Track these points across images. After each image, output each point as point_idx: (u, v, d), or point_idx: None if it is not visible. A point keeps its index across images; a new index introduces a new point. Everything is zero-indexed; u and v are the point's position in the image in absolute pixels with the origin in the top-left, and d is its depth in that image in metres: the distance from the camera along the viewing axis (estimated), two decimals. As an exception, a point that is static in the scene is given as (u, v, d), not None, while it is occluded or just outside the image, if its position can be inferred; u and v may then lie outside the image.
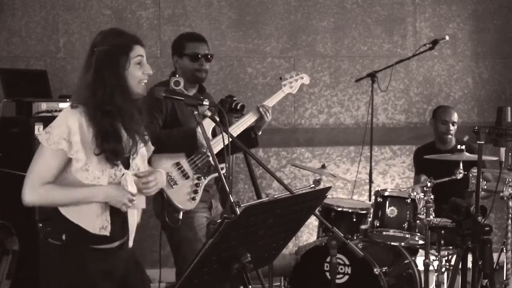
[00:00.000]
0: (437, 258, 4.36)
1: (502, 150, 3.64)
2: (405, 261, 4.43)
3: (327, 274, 4.19)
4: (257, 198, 4.06)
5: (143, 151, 2.81)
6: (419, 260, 4.53)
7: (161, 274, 4.29)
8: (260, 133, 4.10)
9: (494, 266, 4.38)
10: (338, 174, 5.42)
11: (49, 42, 5.39)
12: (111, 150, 2.60)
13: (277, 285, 4.86)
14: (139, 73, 2.68)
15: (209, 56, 3.99)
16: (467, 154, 4.50)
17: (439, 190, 4.43)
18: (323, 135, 5.92)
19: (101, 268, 2.67)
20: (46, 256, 2.72)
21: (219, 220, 2.83)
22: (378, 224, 4.46)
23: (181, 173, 3.78)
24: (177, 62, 4.00)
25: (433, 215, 4.28)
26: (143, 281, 2.91)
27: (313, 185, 3.91)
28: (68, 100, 4.21)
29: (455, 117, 5.18)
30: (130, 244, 2.79)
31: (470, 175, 4.23)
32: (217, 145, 3.80)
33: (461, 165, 4.43)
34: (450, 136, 5.16)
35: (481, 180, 3.77)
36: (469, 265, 3.76)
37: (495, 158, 4.12)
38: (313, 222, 5.60)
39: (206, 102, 2.77)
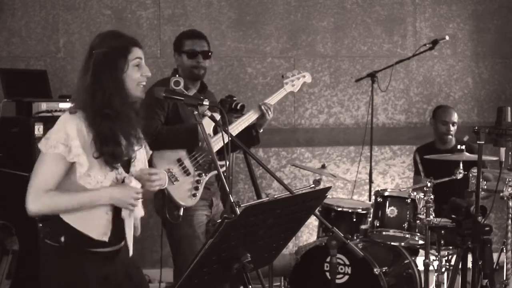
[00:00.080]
0: (437, 258, 4.36)
1: (502, 150, 3.64)
2: (405, 261, 4.43)
3: (327, 274, 4.19)
4: (257, 198, 4.05)
5: (143, 156, 2.81)
6: (419, 260, 4.53)
7: (161, 275, 4.30)
8: (261, 130, 4.10)
9: (494, 266, 4.38)
10: (338, 174, 5.42)
11: (49, 42, 5.39)
12: (110, 153, 2.60)
13: (277, 285, 4.86)
14: (138, 75, 2.67)
15: (207, 53, 3.99)
16: (467, 154, 4.50)
17: (439, 190, 4.43)
18: (323, 135, 5.92)
19: (97, 272, 2.67)
20: (44, 257, 2.72)
21: (219, 220, 2.82)
22: (378, 224, 4.46)
23: (182, 169, 3.80)
24: (177, 60, 4.03)
25: (433, 215, 4.28)
26: (142, 287, 2.91)
27: (313, 185, 3.92)
28: (68, 100, 4.21)
29: (455, 117, 5.18)
30: (131, 252, 2.78)
31: (470, 175, 4.23)
32: (217, 143, 3.81)
33: (461, 165, 4.43)
34: (450, 137, 5.16)
35: (481, 180, 3.76)
36: (469, 265, 3.76)
37: (495, 158, 4.12)
38: (313, 222, 5.60)
39: (206, 102, 2.77)
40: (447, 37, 5.45)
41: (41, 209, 2.60)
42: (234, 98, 4.36)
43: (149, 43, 5.53)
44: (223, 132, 2.83)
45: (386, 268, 4.24)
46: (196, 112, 2.75)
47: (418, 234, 4.39)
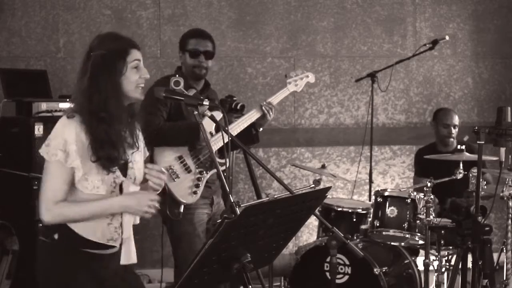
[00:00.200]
0: (437, 258, 4.36)
1: (502, 150, 3.64)
2: (405, 261, 4.43)
3: (327, 274, 4.19)
4: (257, 198, 4.05)
5: (139, 159, 2.80)
6: (419, 260, 4.53)
7: (162, 275, 4.30)
8: (261, 130, 4.10)
9: (494, 266, 4.38)
10: (338, 174, 5.42)
11: (49, 42, 5.40)
12: (106, 157, 2.60)
13: (277, 285, 4.86)
14: (136, 77, 2.67)
15: (210, 53, 4.00)
16: (467, 154, 4.50)
17: (439, 190, 4.43)
18: (323, 135, 5.92)
19: (89, 272, 2.66)
20: (38, 254, 2.72)
21: (219, 220, 2.83)
22: (378, 224, 4.45)
23: (183, 166, 3.80)
24: (181, 58, 4.06)
25: (433, 215, 4.29)
26: None
27: (313, 185, 3.91)
28: (68, 100, 4.21)
29: (456, 120, 5.17)
30: (125, 260, 2.75)
31: (470, 175, 4.23)
32: (217, 143, 3.81)
33: (461, 165, 4.43)
34: (452, 139, 5.15)
35: (481, 180, 3.76)
36: (469, 265, 3.76)
37: (495, 158, 4.12)
38: (313, 222, 5.60)
39: (206, 102, 2.77)
40: (447, 37, 5.45)
41: (54, 220, 2.61)
42: (234, 98, 4.36)
43: (149, 43, 5.53)
44: (224, 132, 2.82)
45: (386, 268, 4.23)
46: (196, 112, 2.74)
47: (418, 234, 4.38)
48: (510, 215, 4.31)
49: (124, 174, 2.69)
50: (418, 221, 4.37)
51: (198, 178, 3.83)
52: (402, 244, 4.46)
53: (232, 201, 2.62)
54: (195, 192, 3.81)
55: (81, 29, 5.42)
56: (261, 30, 5.77)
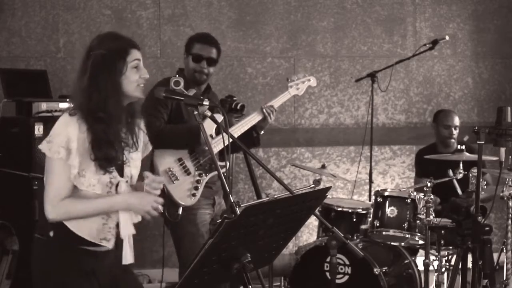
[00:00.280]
0: (437, 258, 4.36)
1: (502, 150, 3.64)
2: (405, 261, 4.43)
3: (327, 274, 4.19)
4: (257, 198, 4.06)
5: (137, 157, 2.80)
6: (419, 260, 4.53)
7: (163, 275, 4.30)
8: (262, 132, 4.11)
9: (494, 266, 4.38)
10: (338, 174, 5.42)
11: (49, 42, 5.39)
12: (104, 157, 2.60)
13: (277, 285, 4.86)
14: (136, 77, 2.67)
15: (213, 60, 4.00)
16: (467, 154, 4.50)
17: (439, 190, 4.43)
18: (323, 135, 5.92)
19: (83, 269, 2.66)
20: (34, 252, 2.72)
21: (219, 220, 2.83)
22: (378, 224, 4.45)
23: (183, 169, 3.80)
24: (184, 60, 4.07)
25: (433, 215, 4.29)
26: None
27: (313, 185, 3.91)
28: (68, 100, 4.21)
29: (457, 121, 5.17)
30: (131, 260, 2.77)
31: (470, 175, 4.23)
32: (218, 144, 3.81)
33: (461, 165, 4.43)
34: (452, 140, 5.15)
35: (481, 180, 3.76)
36: (469, 265, 3.75)
37: (495, 158, 4.12)
38: (313, 222, 5.60)
39: (206, 102, 2.77)
40: (447, 37, 5.45)
41: (59, 217, 2.61)
42: (234, 98, 4.36)
43: (149, 43, 5.53)
44: (225, 133, 2.82)
45: (386, 268, 4.24)
46: (196, 112, 2.74)
47: (418, 234, 4.38)
48: (510, 215, 4.31)
49: (121, 174, 2.69)
50: (418, 221, 4.37)
51: (197, 181, 3.83)
52: (402, 244, 4.46)
53: (232, 201, 2.62)
54: (194, 195, 3.81)
55: (81, 29, 5.42)
56: (261, 30, 5.77)
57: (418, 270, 4.44)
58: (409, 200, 4.42)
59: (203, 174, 3.85)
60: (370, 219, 4.54)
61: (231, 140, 2.82)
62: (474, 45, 6.18)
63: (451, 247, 4.47)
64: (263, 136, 4.17)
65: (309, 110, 5.90)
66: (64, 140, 2.55)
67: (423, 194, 4.37)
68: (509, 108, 3.66)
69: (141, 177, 2.78)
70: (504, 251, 4.41)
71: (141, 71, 2.69)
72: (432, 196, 4.30)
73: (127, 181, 2.71)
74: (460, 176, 4.42)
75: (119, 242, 2.74)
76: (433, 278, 4.43)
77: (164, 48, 5.56)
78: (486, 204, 4.46)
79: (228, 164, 2.88)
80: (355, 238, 4.52)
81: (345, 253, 4.13)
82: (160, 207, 2.70)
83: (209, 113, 2.88)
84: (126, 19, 5.49)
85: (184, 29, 5.59)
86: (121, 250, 2.75)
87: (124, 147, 2.71)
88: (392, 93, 6.04)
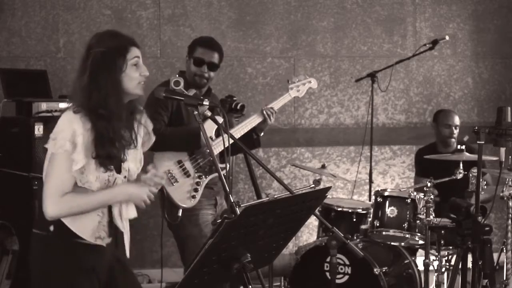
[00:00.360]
0: (437, 258, 4.36)
1: (502, 150, 3.64)
2: (405, 261, 4.43)
3: (327, 274, 4.19)
4: (257, 198, 4.06)
5: (137, 155, 2.80)
6: (419, 260, 4.53)
7: (162, 274, 4.30)
8: (262, 134, 4.11)
9: (494, 266, 4.38)
10: (338, 174, 5.42)
11: (49, 42, 5.39)
12: (106, 155, 2.60)
13: (277, 285, 4.86)
14: (136, 74, 2.67)
15: (214, 65, 4.00)
16: (467, 154, 4.50)
17: (439, 190, 4.43)
18: (323, 135, 5.92)
19: (83, 265, 2.66)
20: (32, 246, 2.71)
21: (219, 220, 2.83)
22: (378, 224, 4.45)
23: (182, 171, 3.81)
24: (186, 62, 4.07)
25: (433, 215, 4.29)
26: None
27: (313, 185, 3.91)
28: (67, 99, 4.21)
29: (457, 120, 5.18)
30: (127, 253, 2.79)
31: (470, 175, 4.23)
32: (218, 146, 3.82)
33: (461, 165, 4.43)
34: (453, 140, 5.16)
35: (481, 180, 3.76)
36: (469, 265, 3.75)
37: (495, 158, 4.12)
38: (313, 222, 5.60)
39: (206, 102, 2.77)
40: (447, 37, 5.45)
41: (60, 213, 2.59)
42: (234, 98, 4.37)
43: (149, 43, 5.53)
44: (225, 134, 2.82)
45: (386, 268, 4.24)
46: (196, 112, 2.74)
47: (418, 234, 4.39)
48: (510, 215, 4.31)
49: (118, 170, 2.69)
50: (418, 221, 4.37)
51: (197, 183, 3.83)
52: (402, 244, 4.46)
53: (232, 201, 2.63)
54: (193, 197, 3.81)
55: (81, 29, 5.42)
56: (261, 30, 5.77)
57: (418, 270, 4.44)
58: (409, 200, 4.42)
59: (203, 176, 3.85)
60: (370, 219, 4.54)
61: (231, 141, 2.82)
62: (474, 45, 6.17)
63: (451, 247, 4.47)
64: (263, 136, 4.17)
65: (309, 110, 5.90)
66: (70, 134, 2.54)
67: (423, 194, 4.38)
68: (509, 108, 3.66)
69: (144, 171, 2.79)
70: (504, 251, 4.41)
71: (141, 69, 2.69)
72: (432, 196, 4.30)
73: (125, 177, 2.72)
74: (460, 176, 4.42)
75: (118, 236, 2.75)
76: (433, 278, 4.43)
77: (164, 48, 5.56)
78: (486, 204, 4.46)
79: (228, 166, 2.88)
80: (355, 238, 4.52)
81: (345, 253, 4.13)
82: (152, 196, 2.70)
83: (209, 113, 2.88)
84: (126, 19, 5.49)
85: (184, 29, 5.59)
86: (120, 246, 2.76)
87: (125, 144, 2.71)
88: (392, 93, 6.04)
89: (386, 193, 4.52)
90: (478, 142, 3.68)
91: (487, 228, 3.72)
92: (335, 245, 3.15)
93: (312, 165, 5.76)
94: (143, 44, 5.39)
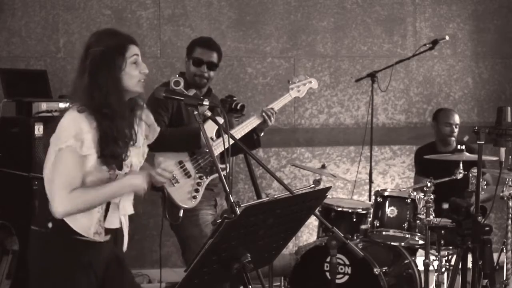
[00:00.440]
0: (437, 258, 4.36)
1: (502, 150, 3.64)
2: (405, 261, 4.43)
3: (327, 274, 4.19)
4: (257, 198, 4.06)
5: (137, 150, 2.80)
6: (419, 260, 4.53)
7: (161, 274, 4.30)
8: (262, 134, 4.11)
9: (494, 266, 4.38)
10: (338, 174, 5.42)
11: (49, 42, 5.39)
12: (110, 154, 2.61)
13: (277, 285, 4.86)
14: (136, 72, 2.68)
15: (213, 65, 4.01)
16: (467, 154, 4.50)
17: (439, 190, 4.43)
18: (323, 135, 5.92)
19: (81, 261, 2.67)
20: (31, 243, 2.72)
21: (219, 220, 2.83)
22: (378, 224, 4.45)
23: (183, 171, 3.81)
24: (185, 64, 4.09)
25: (433, 215, 4.29)
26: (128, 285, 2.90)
27: (313, 185, 3.91)
28: (67, 99, 4.21)
29: (457, 119, 5.20)
30: (125, 248, 2.79)
31: (470, 175, 4.23)
32: (218, 147, 3.82)
33: (461, 165, 4.43)
34: (453, 139, 5.17)
35: (481, 180, 3.76)
36: (469, 265, 3.75)
37: (495, 158, 4.12)
38: (313, 222, 5.60)
39: (206, 102, 2.77)
40: (447, 37, 5.45)
41: (70, 210, 2.59)
42: (234, 98, 4.37)
43: (149, 43, 5.53)
44: (226, 134, 2.82)
45: (386, 268, 4.24)
46: (196, 112, 2.74)
47: (418, 234, 4.39)
48: (510, 215, 4.31)
49: (120, 167, 2.70)
50: (418, 221, 4.37)
51: (198, 183, 3.84)
52: (402, 244, 4.46)
53: (232, 201, 2.63)
54: (194, 197, 3.82)
55: (81, 29, 5.42)
56: (261, 30, 5.77)
57: (418, 270, 4.44)
58: (409, 200, 4.42)
59: (204, 177, 3.86)
60: (370, 219, 4.54)
61: (232, 141, 2.82)
62: (474, 45, 6.17)
63: (451, 247, 4.48)
64: (263, 136, 4.17)
65: (309, 110, 5.90)
66: (75, 131, 2.54)
67: (423, 194, 4.38)
68: (509, 108, 3.66)
69: (148, 162, 2.82)
70: (504, 251, 4.41)
71: (140, 66, 2.69)
72: (432, 196, 4.30)
73: (126, 173, 2.72)
74: (460, 176, 4.42)
75: (118, 232, 2.75)
76: (433, 278, 4.43)
77: (164, 48, 5.56)
78: (486, 204, 4.47)
79: (228, 166, 2.88)
80: (355, 238, 4.52)
81: (345, 253, 4.13)
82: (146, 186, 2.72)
83: (209, 113, 2.88)
84: (126, 19, 5.49)
85: (184, 29, 5.59)
86: (117, 241, 2.77)
87: (128, 142, 2.71)
88: (392, 93, 6.04)
89: (386, 193, 4.52)
90: (478, 142, 3.68)
91: (487, 228, 3.72)
92: (335, 245, 3.15)
93: (312, 165, 5.76)
94: (143, 44, 5.39)
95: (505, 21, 6.21)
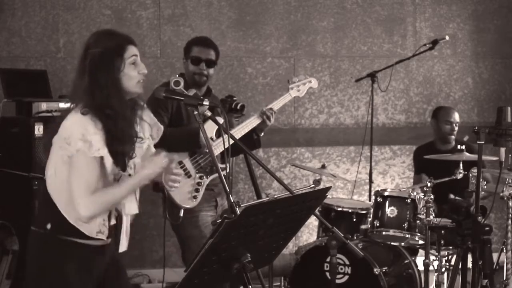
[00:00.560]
0: (437, 258, 4.36)
1: (502, 150, 3.64)
2: (405, 261, 4.43)
3: (327, 274, 4.19)
4: (257, 198, 4.06)
5: (140, 149, 2.80)
6: (419, 260, 4.53)
7: (164, 275, 4.29)
8: (262, 134, 4.11)
9: (494, 266, 4.38)
10: (338, 174, 5.42)
11: (49, 42, 5.39)
12: (121, 153, 2.62)
13: (277, 285, 4.86)
14: (135, 73, 2.67)
15: (212, 62, 4.02)
16: (467, 154, 4.51)
17: (439, 190, 4.43)
18: (323, 135, 5.92)
19: (78, 264, 2.66)
20: (29, 246, 2.72)
21: (219, 220, 2.83)
22: (378, 224, 4.46)
23: (183, 171, 3.81)
24: (184, 64, 4.11)
25: (433, 215, 4.29)
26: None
27: (313, 185, 3.91)
28: (67, 99, 4.20)
29: (457, 117, 5.22)
30: (121, 249, 2.78)
31: (470, 175, 4.23)
32: (218, 147, 3.82)
33: (461, 165, 4.43)
34: (453, 137, 5.18)
35: (481, 180, 3.76)
36: (469, 265, 3.76)
37: (495, 158, 4.12)
38: (313, 222, 5.60)
39: (206, 102, 2.77)
40: (447, 37, 5.45)
41: (95, 211, 2.60)
42: (234, 98, 4.37)
43: (149, 43, 5.53)
44: (226, 134, 2.82)
45: (386, 268, 4.24)
46: (196, 112, 2.74)
47: (418, 234, 4.39)
48: (510, 215, 4.31)
49: (124, 168, 2.69)
50: (418, 221, 4.38)
51: (198, 183, 3.84)
52: (402, 244, 4.46)
53: (232, 201, 2.63)
54: (195, 197, 3.82)
55: (81, 29, 5.42)
56: (261, 30, 5.77)
57: (418, 270, 4.44)
58: (409, 200, 4.42)
59: (204, 177, 3.86)
60: (370, 219, 4.54)
61: (232, 141, 2.82)
62: (474, 45, 6.18)
63: (451, 247, 4.48)
64: (263, 136, 4.18)
65: (309, 110, 5.90)
66: (82, 133, 2.53)
67: (423, 194, 4.38)
68: (509, 108, 3.66)
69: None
70: (504, 251, 4.41)
71: (139, 67, 2.69)
72: (432, 196, 4.30)
73: (129, 175, 2.71)
74: (460, 176, 4.42)
75: (117, 233, 2.75)
76: (433, 278, 4.43)
77: (164, 48, 5.56)
78: (487, 199, 4.47)
79: (228, 168, 2.88)
80: (355, 238, 4.52)
81: (345, 253, 4.13)
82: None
83: (209, 113, 2.88)
84: (126, 19, 5.49)
85: (184, 29, 5.59)
86: (116, 244, 2.76)
87: (132, 142, 2.71)
88: (392, 93, 6.04)
89: (386, 193, 4.52)
90: (478, 142, 3.68)
91: (487, 228, 3.72)
92: (335, 245, 3.15)
93: (312, 165, 5.76)
94: (143, 44, 5.39)
95: (505, 21, 6.21)
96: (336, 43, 5.92)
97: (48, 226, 2.63)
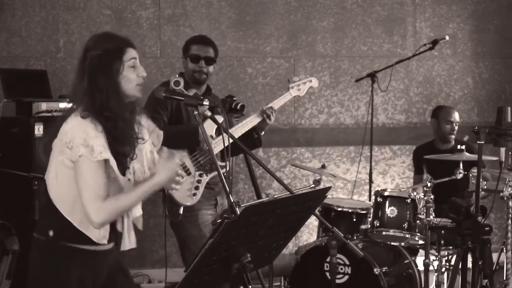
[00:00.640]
0: (437, 258, 4.36)
1: (502, 150, 3.64)
2: (405, 261, 4.43)
3: (327, 274, 4.19)
4: (257, 198, 4.06)
5: (140, 153, 2.80)
6: (419, 260, 4.53)
7: (166, 274, 4.29)
8: (263, 133, 4.11)
9: (494, 266, 4.38)
10: (338, 174, 5.42)
11: (49, 42, 5.39)
12: (123, 154, 2.61)
13: (277, 285, 4.86)
14: (134, 75, 2.66)
15: (211, 59, 4.03)
16: (467, 154, 4.51)
17: (439, 190, 4.43)
18: (323, 135, 5.92)
19: (80, 270, 2.65)
20: (32, 250, 2.70)
21: (219, 220, 2.83)
22: (378, 224, 4.46)
23: (183, 169, 3.80)
24: (183, 63, 4.11)
25: (433, 215, 4.29)
26: None
27: (313, 185, 3.91)
28: (67, 101, 4.20)
29: (458, 116, 5.24)
30: (130, 245, 2.78)
31: (470, 175, 4.23)
32: (218, 145, 3.82)
33: (461, 165, 4.43)
34: (453, 136, 5.19)
35: (481, 180, 3.76)
36: (469, 265, 3.76)
37: (495, 158, 4.12)
38: (313, 222, 5.60)
39: (206, 102, 2.77)
40: (447, 37, 5.46)
41: (105, 218, 2.57)
42: (234, 98, 4.37)
43: (149, 43, 5.52)
44: (225, 134, 2.82)
45: (386, 268, 4.24)
46: (196, 112, 2.74)
47: (418, 234, 4.39)
48: (510, 215, 4.31)
49: (123, 172, 2.69)
50: (418, 221, 4.38)
51: (198, 181, 3.84)
52: (402, 244, 4.46)
53: (232, 201, 2.63)
54: (194, 194, 3.82)
55: (81, 29, 5.42)
56: (261, 30, 5.77)
57: (418, 270, 4.44)
58: (409, 200, 4.43)
59: (204, 174, 3.86)
60: (370, 219, 4.54)
61: (231, 140, 2.82)
62: (474, 45, 6.18)
63: (451, 247, 4.48)
64: (263, 136, 4.18)
65: (309, 110, 5.90)
66: (82, 139, 2.52)
67: (423, 194, 4.38)
68: (509, 108, 3.66)
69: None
70: (504, 251, 4.41)
71: (138, 70, 2.68)
72: (432, 196, 4.30)
73: (129, 179, 2.71)
74: (460, 176, 4.42)
75: (118, 236, 2.75)
76: (433, 278, 4.43)
77: (164, 48, 5.56)
78: (487, 199, 4.47)
79: (228, 166, 2.88)
80: (355, 238, 4.52)
81: (345, 253, 4.13)
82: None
83: (209, 113, 2.87)
84: (126, 19, 5.49)
85: (184, 29, 5.59)
86: (118, 248, 2.76)
87: (134, 143, 2.71)
88: (392, 93, 6.04)
89: (386, 193, 4.53)
90: (478, 142, 3.68)
91: (487, 228, 3.72)
92: (335, 245, 3.15)
93: (312, 165, 5.76)
94: (143, 44, 5.39)
95: (505, 21, 6.21)
96: (336, 43, 5.92)
97: (51, 233, 2.62)
